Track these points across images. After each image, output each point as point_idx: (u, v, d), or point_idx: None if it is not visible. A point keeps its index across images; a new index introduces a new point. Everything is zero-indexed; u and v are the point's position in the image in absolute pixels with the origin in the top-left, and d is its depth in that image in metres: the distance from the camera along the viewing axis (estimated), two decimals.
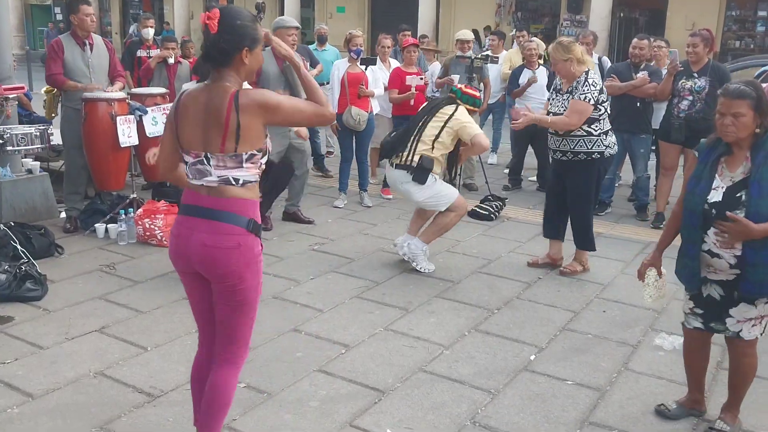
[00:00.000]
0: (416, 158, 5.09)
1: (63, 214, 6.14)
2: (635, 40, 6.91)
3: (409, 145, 5.14)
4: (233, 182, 2.53)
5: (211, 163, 2.53)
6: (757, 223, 2.88)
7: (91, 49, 5.85)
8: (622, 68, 6.88)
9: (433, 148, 5.11)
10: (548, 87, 6.83)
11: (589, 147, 4.99)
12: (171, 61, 7.10)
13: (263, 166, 2.63)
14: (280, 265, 5.27)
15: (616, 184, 7.57)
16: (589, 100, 4.89)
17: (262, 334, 4.12)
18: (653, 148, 7.06)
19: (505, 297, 4.82)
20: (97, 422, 3.19)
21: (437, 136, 5.11)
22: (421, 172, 5.09)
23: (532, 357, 3.97)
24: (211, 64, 2.55)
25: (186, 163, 2.61)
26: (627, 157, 7.21)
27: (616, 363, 3.92)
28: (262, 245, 2.66)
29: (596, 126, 4.97)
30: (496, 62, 8.17)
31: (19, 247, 4.90)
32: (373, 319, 4.40)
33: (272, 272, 5.06)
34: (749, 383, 3.25)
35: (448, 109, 5.15)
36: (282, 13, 23.19)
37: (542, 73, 7.60)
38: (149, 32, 7.60)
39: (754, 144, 2.98)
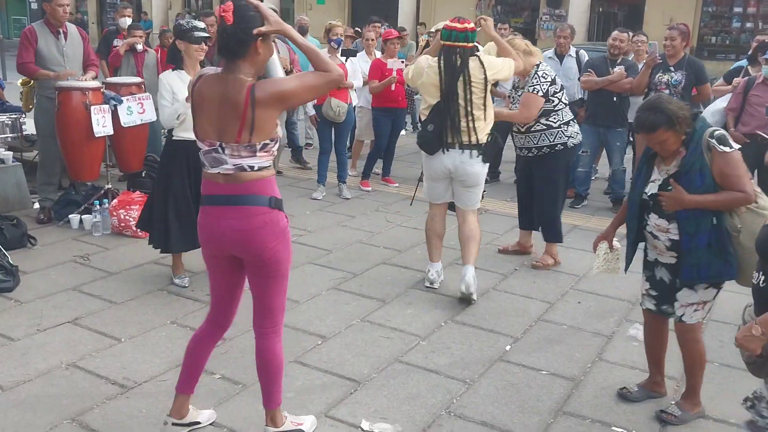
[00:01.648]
0: (481, 136, 4.52)
1: (36, 205, 6.05)
2: (615, 32, 6.94)
3: (464, 125, 4.48)
4: (248, 169, 2.65)
5: (226, 152, 2.62)
6: (691, 214, 3.01)
7: (65, 38, 5.76)
8: (598, 62, 6.91)
9: (486, 119, 4.57)
10: None
11: (551, 140, 5.04)
12: (139, 48, 7.01)
13: (275, 153, 2.74)
14: None
15: (593, 177, 7.62)
16: (538, 91, 4.92)
17: (237, 326, 4.05)
18: (629, 141, 7.12)
19: (481, 288, 4.83)
20: (69, 414, 3.15)
21: (485, 105, 4.52)
22: (489, 149, 4.60)
23: (508, 347, 3.99)
24: (227, 56, 2.60)
25: (199, 150, 2.71)
26: (603, 150, 7.28)
27: (590, 353, 3.96)
28: (287, 217, 2.79)
29: (554, 118, 5.02)
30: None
31: None
32: (349, 310, 4.40)
33: None
34: (699, 370, 3.31)
35: (478, 71, 4.43)
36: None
37: None
38: (126, 21, 7.49)
39: (684, 140, 3.07)
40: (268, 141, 2.63)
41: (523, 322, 4.33)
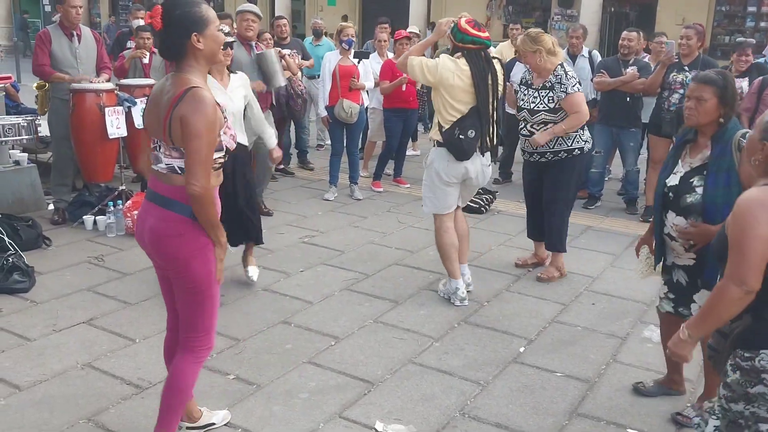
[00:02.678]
0: (494, 138, 4.56)
1: (51, 206, 6.09)
2: (625, 32, 6.92)
3: (490, 127, 4.49)
4: (178, 171, 2.56)
5: (161, 150, 2.59)
6: (712, 215, 2.97)
7: (79, 40, 5.80)
8: (611, 63, 6.88)
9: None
10: None
11: (569, 144, 4.84)
12: (146, 61, 6.98)
13: (219, 161, 2.62)
14: (271, 258, 5.26)
15: (606, 178, 7.59)
16: (577, 89, 4.75)
17: (251, 326, 4.11)
18: (643, 141, 7.08)
19: (495, 289, 4.82)
20: (85, 414, 3.17)
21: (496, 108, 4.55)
22: (495, 151, 4.70)
23: (522, 349, 3.98)
24: (168, 58, 2.59)
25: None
26: (617, 151, 7.25)
27: (604, 355, 3.94)
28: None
29: None
30: None
31: (6, 238, 4.86)
32: (362, 311, 4.40)
33: (262, 264, 5.04)
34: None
35: (500, 75, 4.47)
36: (273, 6, 23.08)
37: (520, 69, 7.55)
38: (140, 23, 7.52)
39: (715, 134, 3.06)
40: None
41: (537, 323, 4.32)
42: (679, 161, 3.18)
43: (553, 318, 4.41)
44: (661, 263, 3.34)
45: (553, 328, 4.27)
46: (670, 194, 3.13)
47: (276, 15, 9.42)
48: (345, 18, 18.88)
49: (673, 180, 3.14)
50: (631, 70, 6.59)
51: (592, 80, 7.04)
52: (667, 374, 3.52)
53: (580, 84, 4.85)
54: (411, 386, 3.52)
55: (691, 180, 3.08)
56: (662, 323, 3.46)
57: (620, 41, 6.86)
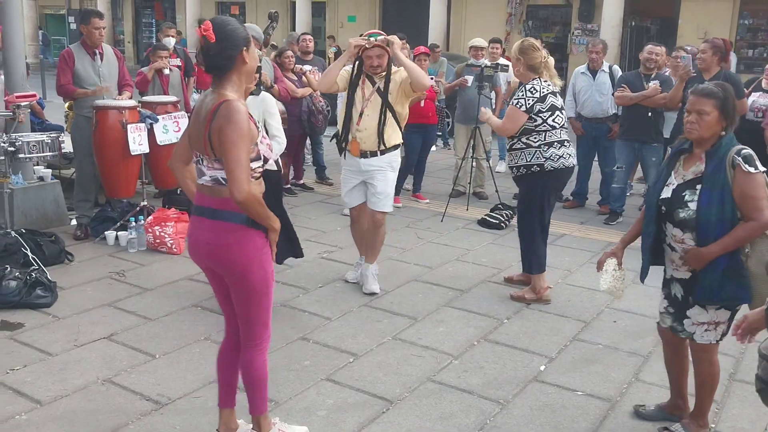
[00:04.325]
0: (386, 140, 4.79)
1: (73, 222, 6.17)
2: (650, 46, 6.83)
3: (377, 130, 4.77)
4: (223, 182, 2.67)
5: (204, 163, 2.72)
6: (705, 232, 2.96)
7: (101, 58, 5.90)
8: (632, 78, 6.83)
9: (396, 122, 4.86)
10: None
11: (528, 159, 4.73)
12: (166, 72, 7.11)
13: (259, 170, 2.75)
14: (289, 273, 5.27)
15: (628, 194, 7.52)
16: (521, 106, 4.64)
17: (269, 342, 4.10)
18: (665, 156, 7.01)
19: (514, 306, 4.78)
20: (105, 429, 3.19)
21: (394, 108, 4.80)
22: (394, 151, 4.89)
23: (542, 367, 3.93)
24: (214, 72, 2.68)
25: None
26: (638, 166, 7.18)
27: (626, 374, 3.88)
28: (267, 236, 2.78)
29: (535, 137, 4.69)
30: (506, 70, 8.17)
31: (29, 253, 4.93)
32: (381, 327, 4.38)
33: (281, 280, 5.05)
34: (709, 391, 3.23)
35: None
36: (293, 23, 23.30)
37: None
38: (170, 41, 7.62)
39: (709, 150, 3.02)
40: None
41: (558, 341, 4.27)
42: (672, 173, 3.14)
43: (574, 336, 4.36)
44: (663, 277, 3.29)
45: (574, 346, 4.22)
46: (663, 207, 3.10)
47: (302, 32, 9.58)
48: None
49: (666, 193, 3.10)
50: (653, 85, 6.54)
51: (613, 95, 7.00)
52: (670, 399, 3.44)
53: (542, 102, 4.65)
54: (430, 405, 3.49)
55: (683, 194, 3.03)
56: (663, 340, 3.38)
57: (645, 55, 6.75)
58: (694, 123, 3.01)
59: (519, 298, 4.91)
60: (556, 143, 4.73)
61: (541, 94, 4.66)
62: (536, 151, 4.72)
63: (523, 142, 4.74)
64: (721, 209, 2.93)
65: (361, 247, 5.18)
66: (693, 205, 2.99)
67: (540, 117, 4.67)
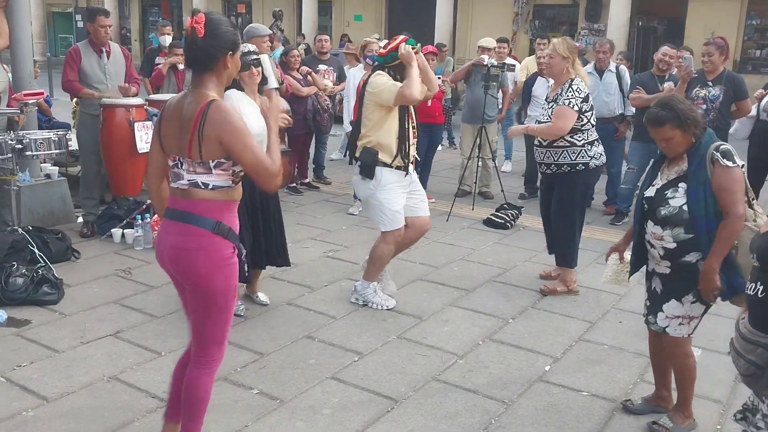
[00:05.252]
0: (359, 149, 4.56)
1: (80, 219, 6.19)
2: (665, 48, 6.77)
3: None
4: (201, 186, 2.58)
5: (183, 167, 2.60)
6: (699, 226, 3.02)
7: (108, 57, 5.91)
8: (646, 79, 6.77)
9: (369, 129, 4.51)
10: None
11: (573, 158, 4.82)
12: (180, 66, 7.14)
13: (240, 174, 2.64)
14: (295, 272, 5.27)
15: (636, 193, 7.49)
16: (573, 105, 4.72)
17: (275, 341, 4.12)
18: None
19: (520, 306, 4.78)
20: (111, 426, 3.20)
21: (362, 115, 4.54)
22: (366, 165, 4.50)
23: (547, 367, 3.93)
24: (195, 68, 2.61)
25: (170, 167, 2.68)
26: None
27: (632, 374, 3.87)
28: (236, 248, 2.66)
29: (579, 136, 4.80)
30: (513, 70, 8.15)
31: (36, 251, 4.95)
32: (386, 326, 4.38)
33: (286, 278, 5.06)
34: (689, 383, 3.28)
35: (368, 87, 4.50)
36: (299, 21, 23.33)
37: (543, 84, 7.53)
38: (166, 39, 7.66)
39: (690, 149, 3.09)
40: (222, 159, 2.55)
41: (563, 341, 4.27)
42: (659, 174, 3.22)
43: (580, 336, 4.35)
44: (645, 270, 3.36)
45: (580, 346, 4.22)
46: (646, 205, 3.18)
47: (318, 31, 9.65)
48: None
49: (650, 192, 3.19)
50: (668, 86, 6.50)
51: (627, 96, 6.98)
52: (655, 391, 3.50)
53: (586, 102, 4.79)
54: (434, 404, 3.50)
55: (665, 192, 3.12)
56: (649, 333, 3.43)
57: (659, 56, 6.70)
58: (666, 149, 3.13)
59: (551, 290, 4.99)
60: (595, 141, 4.92)
61: (585, 94, 4.81)
62: (581, 149, 4.84)
63: (567, 140, 4.82)
64: (712, 203, 3.01)
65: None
66: (674, 202, 3.07)
67: (585, 116, 4.82)
